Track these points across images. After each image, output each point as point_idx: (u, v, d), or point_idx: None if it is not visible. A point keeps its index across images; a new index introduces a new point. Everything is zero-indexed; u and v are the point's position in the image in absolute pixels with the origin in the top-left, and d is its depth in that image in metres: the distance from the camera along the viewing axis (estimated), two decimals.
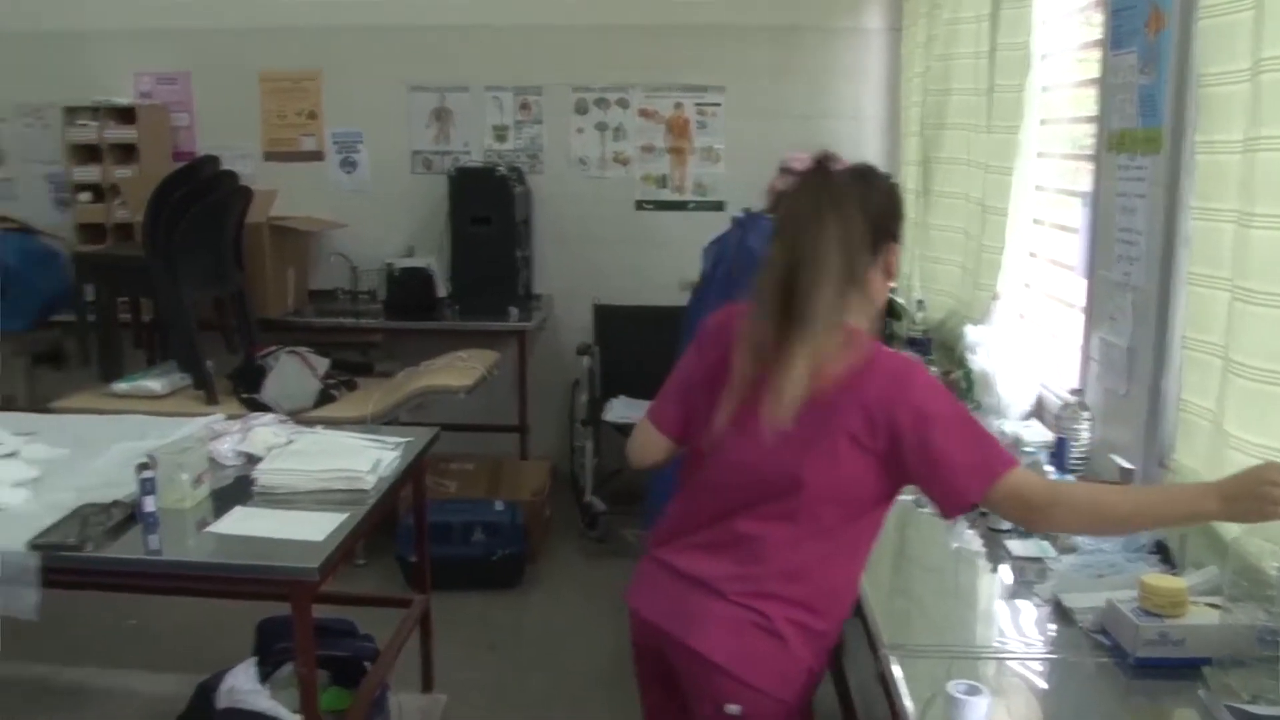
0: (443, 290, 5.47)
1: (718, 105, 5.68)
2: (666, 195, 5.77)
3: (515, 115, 5.74)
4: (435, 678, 3.80)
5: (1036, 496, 1.92)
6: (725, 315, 2.16)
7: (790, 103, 5.56)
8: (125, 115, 5.66)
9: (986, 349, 3.59)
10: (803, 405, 1.92)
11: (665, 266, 5.47)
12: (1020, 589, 2.36)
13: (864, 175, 2.06)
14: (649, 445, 2.22)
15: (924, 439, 1.90)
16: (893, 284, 2.13)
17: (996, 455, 1.93)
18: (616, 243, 5.75)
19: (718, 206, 5.64)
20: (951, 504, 1.95)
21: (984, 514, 2.60)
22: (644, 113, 5.72)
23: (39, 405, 4.74)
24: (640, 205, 5.76)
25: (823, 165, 2.04)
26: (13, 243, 5.57)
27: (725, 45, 5.59)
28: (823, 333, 1.92)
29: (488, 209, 5.37)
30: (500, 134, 5.75)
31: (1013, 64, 3.67)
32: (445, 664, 3.84)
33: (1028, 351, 3.57)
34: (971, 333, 3.71)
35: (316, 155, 5.88)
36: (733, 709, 2.00)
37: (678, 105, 5.71)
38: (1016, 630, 2.18)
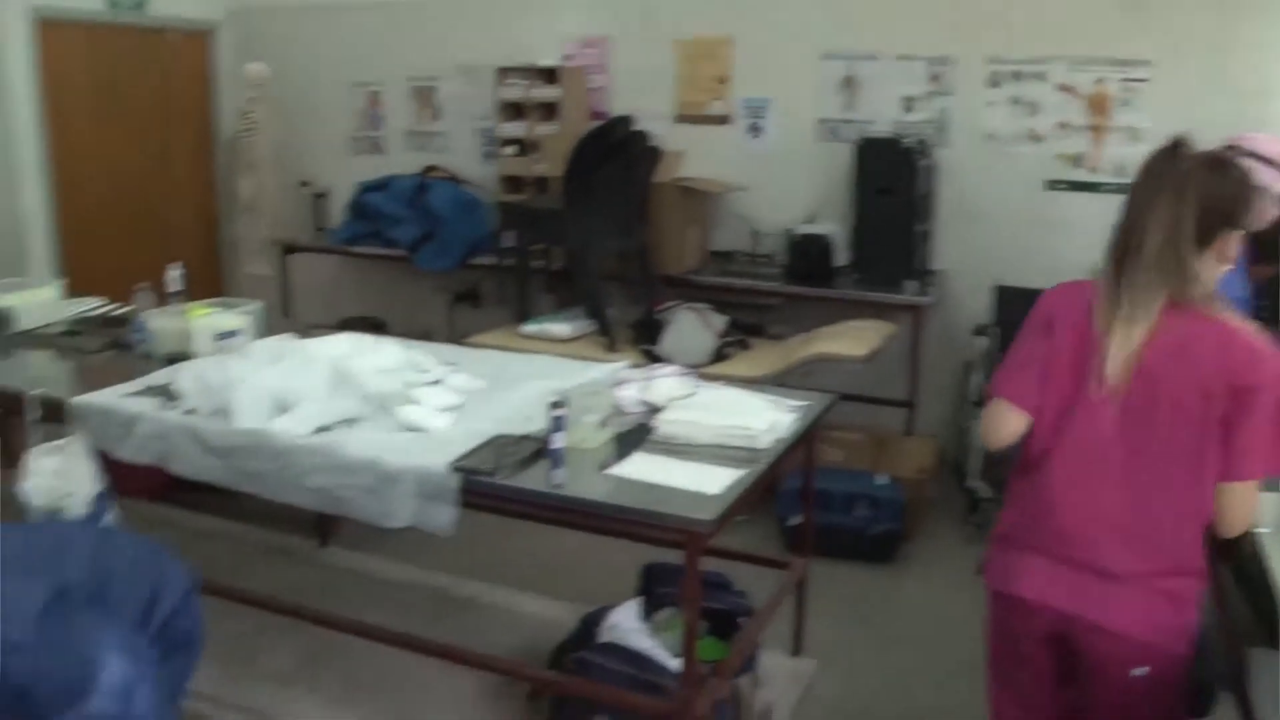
0: (841, 259, 5.43)
1: (1145, 81, 5.27)
2: (1080, 175, 5.43)
3: (925, 86, 5.58)
4: (805, 643, 3.81)
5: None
6: (1067, 293, 2.24)
7: (1229, 78, 5.06)
8: (549, 76, 5.97)
9: None
10: (1135, 378, 2.07)
11: (1073, 250, 5.11)
12: None
13: (1215, 163, 2.12)
14: (1005, 423, 2.28)
15: (1248, 407, 2.03)
16: (1227, 268, 2.15)
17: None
18: (1022, 222, 5.48)
19: None
20: (1228, 470, 2.08)
21: None
22: (1063, 87, 5.40)
23: (455, 339, 5.13)
24: (1051, 185, 5.46)
25: (1175, 147, 2.12)
26: (444, 191, 6.05)
27: (1158, 14, 5.16)
28: (1140, 305, 2.06)
29: (891, 180, 5.27)
30: (908, 105, 5.62)
31: None
32: (814, 630, 3.84)
33: None
34: None
35: (724, 119, 5.96)
36: (1140, 671, 2.18)
37: (1099, 80, 5.34)
38: None
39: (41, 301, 4.45)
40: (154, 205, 6.76)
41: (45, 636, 1.95)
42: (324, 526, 4.58)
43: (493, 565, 4.42)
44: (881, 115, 5.64)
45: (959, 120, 5.53)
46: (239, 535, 4.65)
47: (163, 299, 4.26)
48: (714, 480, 2.78)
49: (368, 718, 3.49)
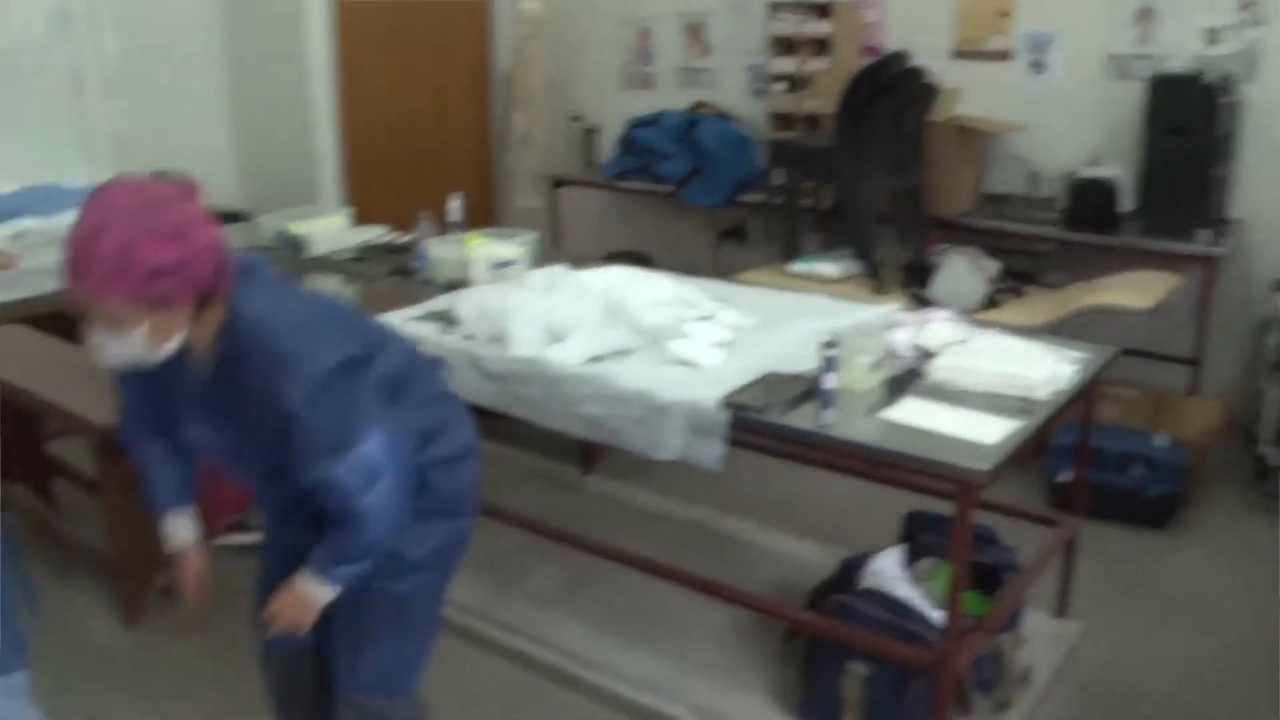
0: (1126, 204, 5.12)
1: None
2: None
3: (1234, 15, 5.14)
4: (1071, 605, 3.66)
5: None
6: None
7: None
8: (822, 11, 5.84)
9: None
10: None
11: None
12: None
13: None
14: None
15: None
16: None
17: None
18: None
19: None
20: None
21: None
22: None
23: (720, 276, 5.13)
24: None
25: None
26: (713, 127, 6.03)
27: None
28: None
29: (1187, 120, 4.90)
30: (1212, 37, 5.20)
31: None
32: (1080, 592, 3.69)
33: None
34: None
35: (1004, 55, 5.69)
36: None
37: None
38: None
39: (332, 229, 4.72)
40: (433, 139, 7.03)
41: (330, 387, 2.07)
42: (588, 455, 4.70)
43: (754, 503, 4.44)
44: (1180, 49, 5.24)
45: (1273, 52, 5.08)
46: (507, 459, 4.82)
47: (443, 228, 4.43)
48: (990, 430, 2.68)
49: (624, 645, 3.57)
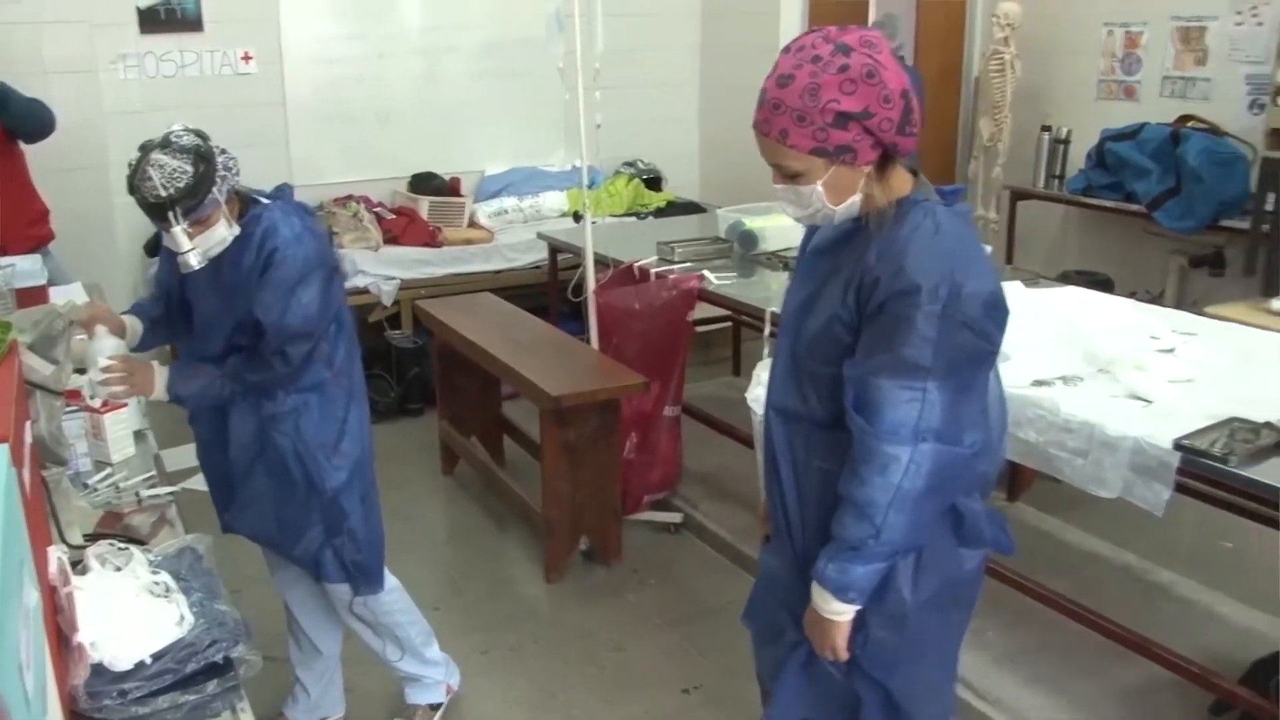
0: None
1: None
2: None
3: None
4: None
5: None
6: None
7: None
8: None
9: None
10: None
11: None
12: None
13: None
14: None
15: None
16: None
17: None
18: None
19: None
20: None
21: None
22: None
23: (1184, 307, 4.73)
24: None
25: None
26: (1199, 143, 5.52)
27: None
28: None
29: None
30: None
31: None
32: None
33: None
34: None
35: None
36: None
37: None
38: None
39: (783, 227, 4.75)
40: None
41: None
42: (1015, 481, 4.47)
43: (1194, 559, 4.05)
44: None
45: None
46: None
47: None
48: None
49: (1025, 683, 3.40)
